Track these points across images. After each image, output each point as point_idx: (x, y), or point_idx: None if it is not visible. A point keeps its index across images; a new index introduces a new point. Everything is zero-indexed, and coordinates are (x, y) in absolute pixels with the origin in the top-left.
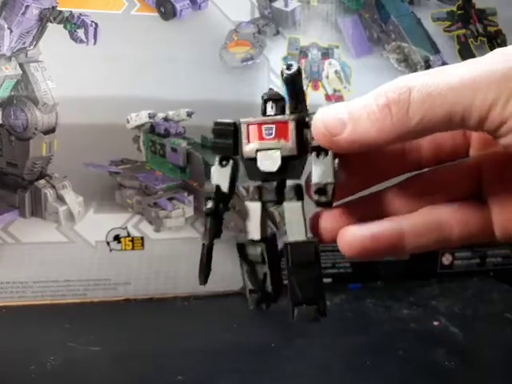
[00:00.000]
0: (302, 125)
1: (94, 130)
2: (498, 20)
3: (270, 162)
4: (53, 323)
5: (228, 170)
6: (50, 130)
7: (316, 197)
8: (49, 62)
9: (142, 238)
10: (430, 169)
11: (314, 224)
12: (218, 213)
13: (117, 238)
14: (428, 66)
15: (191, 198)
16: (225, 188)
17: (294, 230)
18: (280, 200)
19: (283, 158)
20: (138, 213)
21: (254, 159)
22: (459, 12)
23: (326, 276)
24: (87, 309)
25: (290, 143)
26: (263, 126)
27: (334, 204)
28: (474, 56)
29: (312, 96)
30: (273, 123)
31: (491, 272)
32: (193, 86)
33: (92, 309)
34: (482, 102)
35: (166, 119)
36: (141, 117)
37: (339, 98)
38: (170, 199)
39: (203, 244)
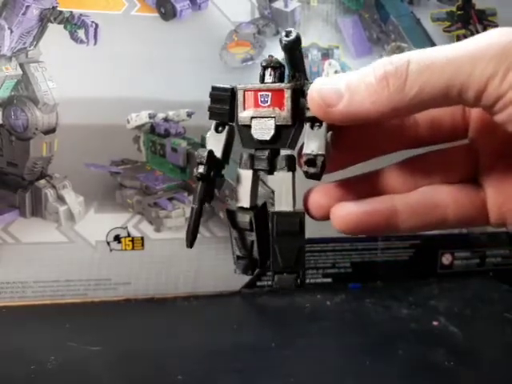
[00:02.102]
0: (299, 94)
1: (94, 130)
2: (497, 20)
3: (263, 131)
4: (53, 323)
5: (223, 135)
6: (51, 130)
7: (305, 168)
8: (49, 63)
9: (142, 238)
10: (428, 151)
11: (306, 200)
12: (209, 178)
13: (117, 238)
14: None
15: (191, 198)
16: (218, 153)
17: (282, 200)
18: (271, 169)
19: (277, 127)
20: (138, 213)
21: (249, 126)
22: (459, 12)
23: (326, 276)
24: (87, 309)
25: (284, 112)
26: (259, 94)
27: (330, 181)
28: None
29: None
30: (268, 91)
31: (491, 272)
32: (193, 86)
33: (92, 309)
34: (480, 75)
35: (166, 119)
36: (141, 117)
37: None
38: (170, 199)
39: (192, 208)
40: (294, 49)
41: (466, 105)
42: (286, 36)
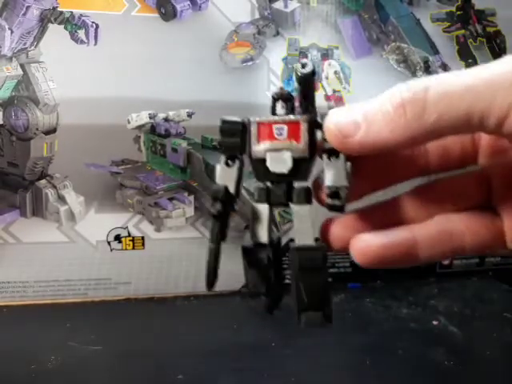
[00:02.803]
0: (314, 126)
1: (94, 130)
2: (497, 20)
3: (280, 164)
4: (54, 322)
5: (235, 170)
6: (51, 131)
7: (329, 200)
8: (50, 63)
9: (143, 238)
10: (440, 178)
11: (324, 232)
12: (224, 215)
13: (117, 238)
14: (427, 67)
15: (191, 197)
16: (231, 188)
17: (303, 234)
18: (287, 202)
19: (294, 160)
20: (138, 213)
21: (263, 160)
22: (458, 13)
23: None
24: (88, 308)
25: (301, 144)
26: (274, 126)
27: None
28: (473, 57)
29: None
30: (284, 123)
31: (490, 272)
32: (193, 86)
33: (93, 308)
34: (502, 102)
35: (166, 120)
36: (141, 117)
37: (339, 99)
38: (171, 199)
39: (209, 248)
40: (308, 81)
41: (486, 132)
42: (302, 67)
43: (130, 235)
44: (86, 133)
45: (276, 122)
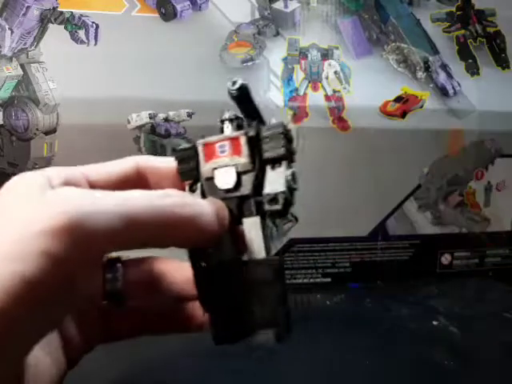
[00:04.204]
0: (255, 139)
1: (94, 130)
2: (497, 21)
3: (225, 179)
4: None
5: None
6: (51, 131)
7: (267, 206)
8: (50, 63)
9: None
10: None
11: None
12: None
13: None
14: (427, 67)
15: None
16: None
17: (254, 247)
18: (241, 217)
19: (239, 174)
20: None
21: (212, 178)
22: (458, 13)
23: (326, 275)
24: None
25: (243, 158)
26: (217, 145)
27: None
28: (473, 57)
29: (312, 97)
30: (225, 140)
31: (490, 272)
32: (193, 86)
33: None
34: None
35: (166, 120)
36: (141, 117)
37: (339, 99)
38: None
39: None
40: (241, 97)
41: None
42: (232, 85)
43: None
44: (86, 133)
45: (219, 141)
